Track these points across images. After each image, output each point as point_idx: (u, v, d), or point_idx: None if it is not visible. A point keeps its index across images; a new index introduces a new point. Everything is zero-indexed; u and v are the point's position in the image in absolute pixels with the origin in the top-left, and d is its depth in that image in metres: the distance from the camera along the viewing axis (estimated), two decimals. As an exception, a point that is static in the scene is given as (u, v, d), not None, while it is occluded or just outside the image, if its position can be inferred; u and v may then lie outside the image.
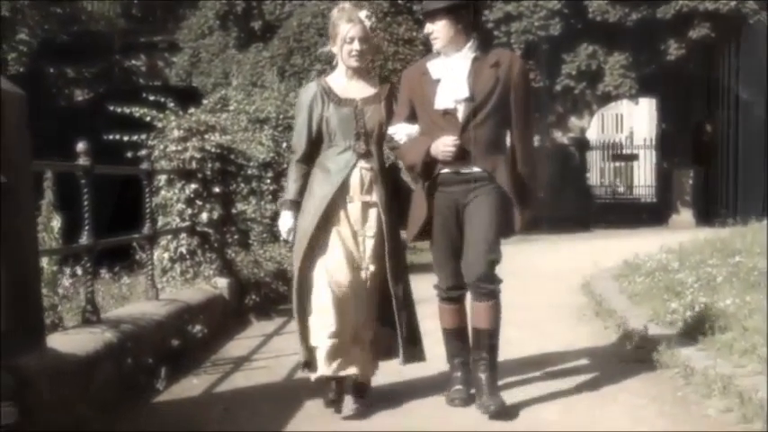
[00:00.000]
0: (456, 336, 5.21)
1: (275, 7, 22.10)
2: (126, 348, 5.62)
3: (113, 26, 26.84)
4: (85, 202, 5.95)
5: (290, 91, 13.42)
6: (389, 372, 5.42)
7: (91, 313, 5.82)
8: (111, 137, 8.73)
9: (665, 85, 23.13)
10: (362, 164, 5.10)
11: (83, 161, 5.93)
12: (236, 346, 7.23)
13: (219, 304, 8.05)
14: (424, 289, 5.36)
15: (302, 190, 5.16)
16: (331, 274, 4.97)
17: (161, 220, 8.46)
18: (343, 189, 5.05)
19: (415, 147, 5.02)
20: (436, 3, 4.98)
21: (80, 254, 6.21)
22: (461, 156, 4.92)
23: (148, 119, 8.96)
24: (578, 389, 5.47)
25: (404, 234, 5.32)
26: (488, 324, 4.97)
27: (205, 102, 10.67)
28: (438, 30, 4.99)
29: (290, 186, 5.23)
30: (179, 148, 8.45)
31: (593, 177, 36.22)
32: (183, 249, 8.46)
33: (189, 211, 8.49)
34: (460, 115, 4.95)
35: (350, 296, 4.98)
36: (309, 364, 5.09)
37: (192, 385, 5.89)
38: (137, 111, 9.12)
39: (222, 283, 8.36)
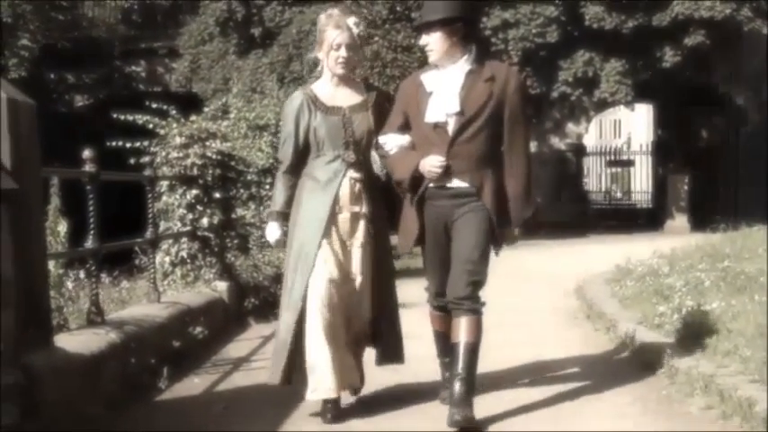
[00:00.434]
0: (445, 337, 5.16)
1: (275, 14, 22.26)
2: (130, 349, 5.81)
3: (114, 32, 27.02)
4: (91, 208, 6.13)
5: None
6: (387, 373, 5.53)
7: (95, 315, 6.00)
8: (114, 143, 8.93)
9: (662, 91, 23.29)
10: (352, 173, 5.05)
11: (89, 168, 6.12)
12: (236, 348, 7.41)
13: (219, 307, 8.24)
14: (420, 292, 5.42)
15: (290, 201, 5.12)
16: (323, 290, 4.91)
17: (163, 225, 8.65)
18: (334, 200, 5.00)
19: (405, 161, 4.96)
20: (431, 15, 4.92)
21: (85, 257, 6.42)
22: (450, 170, 4.86)
23: (151, 126, 9.16)
24: (566, 387, 5.66)
25: (394, 241, 5.31)
26: (467, 338, 4.84)
27: (206, 109, 10.84)
28: (433, 42, 4.92)
29: (278, 198, 5.19)
30: (181, 154, 8.66)
31: (591, 183, 36.43)
32: (184, 253, 8.66)
33: (190, 216, 8.70)
34: (450, 129, 4.88)
35: (342, 311, 4.96)
36: (289, 379, 5.02)
37: (194, 384, 6.07)
38: (140, 118, 9.32)
39: (222, 286, 8.55)
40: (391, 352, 5.30)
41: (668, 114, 26.27)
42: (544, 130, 23.62)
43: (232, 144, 9.58)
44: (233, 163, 9.26)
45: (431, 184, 4.93)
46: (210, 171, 8.75)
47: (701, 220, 20.77)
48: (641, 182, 33.04)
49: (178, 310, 7.15)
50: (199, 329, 7.24)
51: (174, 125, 8.96)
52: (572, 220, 23.28)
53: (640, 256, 11.42)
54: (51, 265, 5.77)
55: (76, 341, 5.32)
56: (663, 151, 27.15)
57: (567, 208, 24.04)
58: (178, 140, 8.70)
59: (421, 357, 5.60)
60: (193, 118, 9.26)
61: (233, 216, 9.47)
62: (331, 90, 5.15)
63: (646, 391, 5.53)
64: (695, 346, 6.01)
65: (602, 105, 23.14)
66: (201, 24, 24.24)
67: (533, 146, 20.29)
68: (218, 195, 8.82)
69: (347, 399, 5.22)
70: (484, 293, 4.95)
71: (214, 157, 8.76)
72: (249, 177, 10.73)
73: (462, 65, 4.95)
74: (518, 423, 4.92)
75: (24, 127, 4.75)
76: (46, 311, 4.99)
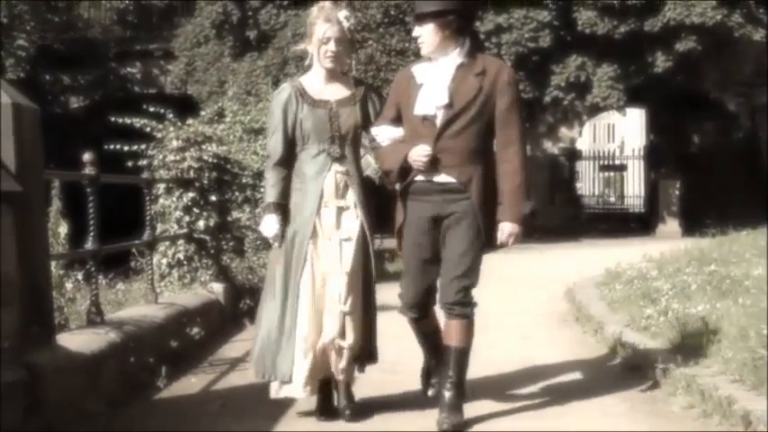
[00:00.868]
0: (427, 340, 5.18)
1: (270, 17, 22.30)
2: (129, 348, 5.95)
3: (109, 33, 27.11)
4: (91, 210, 6.27)
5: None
6: (382, 371, 5.59)
7: (95, 315, 6.14)
8: (112, 147, 9.07)
9: (654, 96, 23.41)
10: (337, 167, 5.04)
11: (89, 170, 6.26)
12: (232, 348, 7.54)
13: (216, 308, 8.38)
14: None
15: (284, 192, 5.06)
16: (309, 286, 4.96)
17: (159, 227, 8.77)
18: (320, 194, 5.00)
19: (394, 152, 4.92)
20: (425, 6, 4.86)
21: (85, 259, 6.56)
22: (437, 164, 4.81)
23: (148, 129, 9.30)
24: (553, 387, 5.84)
25: (379, 241, 5.35)
26: (458, 342, 4.91)
27: (203, 113, 10.98)
28: (425, 34, 4.86)
29: (270, 191, 5.08)
30: (177, 158, 8.78)
31: (585, 187, 36.53)
32: (181, 255, 8.79)
33: (186, 218, 8.83)
34: (438, 122, 4.83)
35: (324, 307, 4.95)
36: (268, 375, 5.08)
37: (191, 384, 6.21)
38: (137, 121, 9.46)
39: (218, 288, 8.70)
40: (362, 352, 5.17)
41: (660, 119, 26.42)
42: (537, 134, 23.74)
43: (228, 147, 9.72)
44: (229, 166, 9.39)
45: (418, 177, 4.88)
46: (207, 174, 8.87)
47: (693, 224, 20.93)
48: (634, 186, 33.15)
49: (175, 311, 7.29)
50: (196, 330, 7.38)
51: (171, 129, 9.09)
52: (565, 225, 23.41)
53: (631, 260, 11.60)
54: (52, 266, 5.92)
55: (77, 340, 5.46)
56: (655, 156, 27.29)
57: (559, 212, 24.18)
58: (175, 144, 8.83)
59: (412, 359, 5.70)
60: (190, 122, 9.41)
61: (229, 219, 9.59)
62: (319, 83, 5.13)
63: (631, 390, 5.70)
64: (680, 348, 6.17)
65: (595, 110, 23.26)
66: (197, 26, 24.24)
67: (527, 150, 20.34)
68: (214, 198, 8.95)
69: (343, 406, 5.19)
70: (476, 297, 5.00)
71: (210, 160, 8.89)
72: (244, 180, 10.85)
73: (454, 58, 4.89)
74: (505, 421, 5.06)
75: (27, 131, 4.90)
76: (49, 311, 5.14)
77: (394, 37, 19.97)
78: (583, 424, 4.97)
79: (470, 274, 4.90)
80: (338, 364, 5.02)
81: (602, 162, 36.25)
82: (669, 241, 17.28)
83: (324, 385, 5.15)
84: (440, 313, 5.08)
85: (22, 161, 4.78)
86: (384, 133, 5.01)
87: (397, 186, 5.02)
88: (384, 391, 5.68)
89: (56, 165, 6.63)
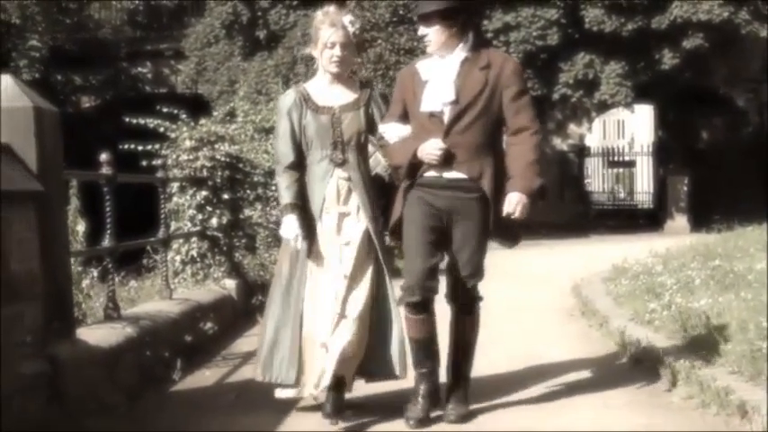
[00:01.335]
0: (422, 346, 4.98)
1: (280, 17, 22.47)
2: (145, 342, 6.15)
3: (119, 34, 27.34)
4: (108, 209, 6.46)
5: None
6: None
7: (112, 310, 6.33)
8: (126, 146, 9.26)
9: (662, 93, 23.52)
10: (339, 173, 5.04)
11: (106, 170, 6.44)
12: (245, 343, 7.70)
13: (228, 304, 8.57)
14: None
15: (300, 193, 5.04)
16: (310, 291, 5.00)
17: (173, 225, 8.93)
18: (322, 200, 5.02)
19: (403, 148, 4.90)
20: (429, 6, 4.83)
21: (102, 256, 6.75)
22: (447, 160, 4.79)
23: (162, 129, 9.49)
24: (556, 379, 5.98)
25: (387, 239, 5.23)
26: (465, 336, 5.05)
27: (215, 113, 11.16)
28: (431, 33, 4.84)
29: (285, 193, 5.05)
30: (191, 157, 8.98)
31: (595, 183, 36.69)
32: (194, 252, 8.98)
33: (200, 216, 9.02)
34: (446, 118, 4.82)
35: (326, 309, 4.93)
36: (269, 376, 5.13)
37: (205, 377, 6.40)
38: (150, 121, 9.65)
39: (231, 284, 8.88)
40: (379, 366, 5.11)
41: (668, 116, 26.53)
42: (546, 131, 23.86)
43: (240, 147, 9.89)
44: (241, 165, 9.57)
45: (427, 173, 4.86)
46: (219, 173, 9.07)
47: (701, 220, 21.00)
48: (643, 182, 33.24)
49: (189, 307, 7.48)
50: (209, 325, 7.57)
51: (185, 129, 9.28)
52: (573, 221, 23.56)
53: (637, 256, 11.74)
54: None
55: (96, 334, 5.65)
56: (663, 152, 27.40)
57: (568, 208, 24.32)
58: (188, 143, 9.02)
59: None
60: (203, 122, 9.59)
61: (241, 216, 9.78)
62: (324, 89, 5.13)
63: (633, 382, 5.84)
64: (681, 341, 6.34)
65: (603, 107, 23.38)
66: (207, 26, 24.42)
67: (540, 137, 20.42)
68: (226, 196, 9.15)
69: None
70: (484, 291, 5.11)
71: (223, 159, 9.08)
72: (256, 179, 11.01)
73: (458, 53, 4.88)
74: (509, 412, 5.21)
75: (48, 133, 5.10)
76: (69, 306, 5.34)
77: (403, 36, 20.12)
78: (585, 414, 5.13)
79: (479, 271, 4.98)
80: (329, 366, 4.90)
81: (610, 158, 36.35)
82: (677, 237, 17.38)
83: (336, 385, 5.03)
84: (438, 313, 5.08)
85: (43, 162, 4.98)
86: (391, 130, 5.00)
87: (404, 183, 4.97)
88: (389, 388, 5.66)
89: (68, 164, 6.78)
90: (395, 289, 5.08)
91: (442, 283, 5.03)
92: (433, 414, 5.02)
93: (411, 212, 4.91)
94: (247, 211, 10.36)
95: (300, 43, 20.70)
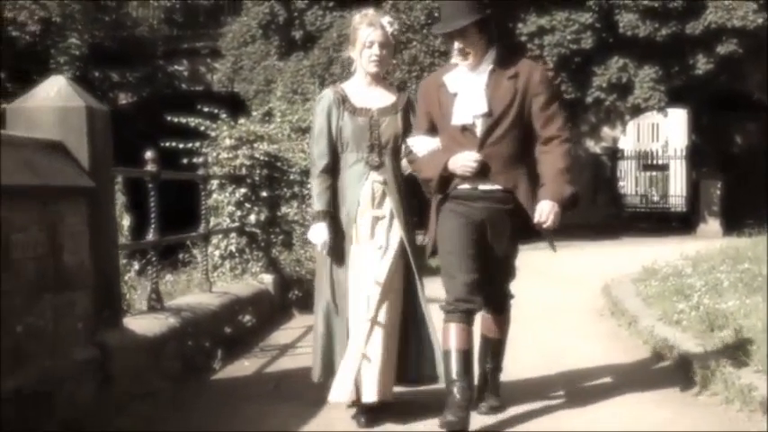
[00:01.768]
0: (460, 358, 4.77)
1: (316, 18, 22.65)
2: (187, 332, 6.39)
3: (157, 32, 27.65)
4: (152, 204, 6.69)
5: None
6: None
7: (155, 301, 6.57)
8: (167, 144, 9.51)
9: (696, 97, 23.54)
10: (374, 176, 5.01)
11: (151, 167, 6.68)
12: (282, 335, 7.95)
13: (266, 298, 8.80)
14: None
15: (331, 201, 5.02)
16: (345, 295, 4.97)
17: (212, 221, 9.16)
18: (357, 203, 5.00)
19: (433, 160, 4.84)
20: (462, 16, 4.72)
21: (146, 249, 7.00)
22: (481, 172, 4.73)
23: (202, 128, 9.74)
24: (585, 376, 6.16)
25: (421, 237, 5.28)
26: (497, 334, 5.20)
27: (254, 113, 11.40)
28: (471, 45, 4.75)
29: (317, 199, 5.04)
30: (230, 155, 9.24)
31: (628, 186, 36.59)
32: (233, 248, 9.25)
33: (238, 213, 9.29)
34: (479, 131, 4.77)
35: (361, 316, 4.89)
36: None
37: (244, 367, 6.63)
38: (192, 120, 9.89)
39: (268, 279, 9.13)
40: (419, 372, 5.13)
41: (702, 120, 26.53)
42: (579, 133, 23.91)
43: (278, 146, 10.12)
44: (278, 164, 9.81)
45: (461, 186, 4.81)
46: (258, 171, 9.33)
47: (734, 224, 20.98)
48: (677, 186, 33.16)
49: (229, 300, 7.71)
50: (247, 318, 7.80)
51: (225, 128, 9.52)
52: (606, 223, 23.57)
53: (668, 259, 11.81)
54: (117, 255, 6.35)
55: (141, 324, 5.89)
56: (697, 156, 27.38)
57: (601, 210, 24.32)
58: (228, 142, 9.28)
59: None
60: (242, 121, 9.83)
61: (278, 213, 10.01)
62: (362, 90, 5.10)
63: (659, 379, 6.01)
64: (708, 341, 6.46)
65: (636, 111, 23.41)
66: (243, 26, 24.58)
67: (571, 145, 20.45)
68: (264, 194, 9.40)
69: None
70: (516, 290, 5.22)
71: (261, 158, 9.34)
72: (292, 177, 11.21)
73: (486, 63, 4.82)
74: (537, 406, 5.38)
75: (99, 131, 5.33)
76: (117, 296, 5.59)
77: (438, 38, 20.22)
78: (613, 410, 5.29)
79: (511, 275, 5.12)
80: (370, 378, 4.89)
81: (644, 161, 36.25)
82: (709, 240, 17.33)
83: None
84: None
85: (94, 160, 5.21)
86: (420, 143, 4.94)
87: (436, 198, 4.92)
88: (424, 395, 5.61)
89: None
90: (425, 292, 5.11)
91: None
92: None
93: (447, 227, 4.86)
94: (284, 209, 10.57)
95: (336, 44, 20.91)
